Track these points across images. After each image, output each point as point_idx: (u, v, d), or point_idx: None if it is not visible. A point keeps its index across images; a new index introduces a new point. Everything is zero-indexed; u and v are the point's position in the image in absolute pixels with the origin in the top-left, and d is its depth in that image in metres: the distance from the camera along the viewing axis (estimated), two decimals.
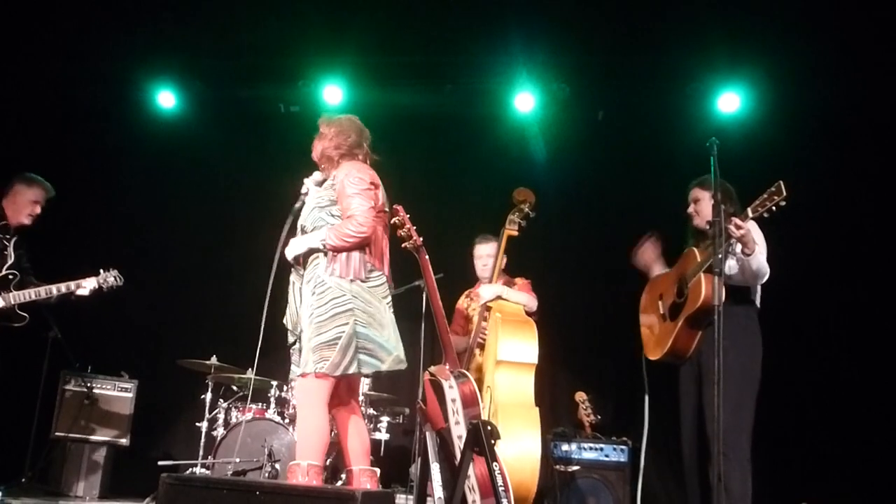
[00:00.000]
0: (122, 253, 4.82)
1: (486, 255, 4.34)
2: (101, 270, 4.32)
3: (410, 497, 3.89)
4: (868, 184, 5.20)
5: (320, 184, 3.37)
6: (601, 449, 4.39)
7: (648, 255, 3.98)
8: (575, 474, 4.33)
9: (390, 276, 3.30)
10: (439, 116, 5.94)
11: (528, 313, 4.14)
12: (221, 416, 4.74)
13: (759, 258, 3.35)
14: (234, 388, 4.92)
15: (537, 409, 3.86)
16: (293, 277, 3.33)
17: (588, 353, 5.56)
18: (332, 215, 3.21)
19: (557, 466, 4.32)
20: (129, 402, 5.14)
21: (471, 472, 2.97)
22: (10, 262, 4.24)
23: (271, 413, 4.59)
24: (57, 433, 4.94)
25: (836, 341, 5.18)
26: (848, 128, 5.30)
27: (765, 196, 3.14)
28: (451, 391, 3.16)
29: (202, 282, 5.88)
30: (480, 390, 3.41)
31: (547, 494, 4.27)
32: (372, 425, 4.78)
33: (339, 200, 3.20)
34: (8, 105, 5.45)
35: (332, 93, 5.66)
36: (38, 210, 4.36)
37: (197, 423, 4.74)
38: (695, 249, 3.58)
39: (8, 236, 4.28)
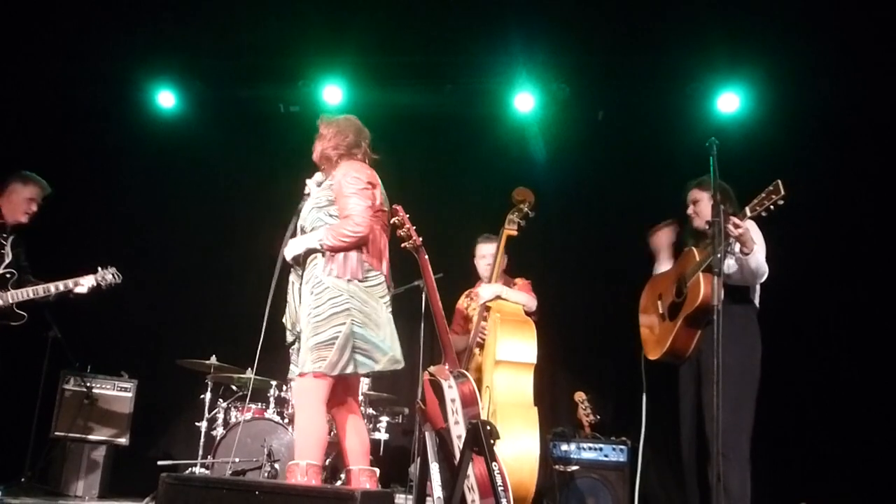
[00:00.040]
0: (122, 253, 4.82)
1: (489, 254, 4.34)
2: (100, 268, 4.32)
3: (410, 497, 3.89)
4: (868, 184, 5.20)
5: (321, 184, 3.37)
6: (600, 449, 4.38)
7: (662, 240, 3.95)
8: (574, 474, 4.33)
9: (389, 275, 3.30)
10: (439, 116, 5.94)
11: (528, 313, 4.13)
12: (221, 416, 4.74)
13: (758, 257, 3.35)
14: (234, 387, 4.92)
15: (536, 408, 3.86)
16: (292, 277, 3.33)
17: (588, 353, 5.56)
18: (331, 215, 3.22)
19: (557, 466, 4.32)
20: (129, 402, 5.14)
21: (470, 471, 2.97)
22: (7, 260, 4.24)
23: (271, 413, 4.59)
24: (56, 433, 4.94)
25: (836, 341, 5.18)
26: (848, 128, 5.30)
27: (763, 195, 3.14)
28: (451, 391, 3.16)
29: (202, 282, 5.88)
30: (480, 390, 3.41)
31: (546, 494, 4.27)
32: (371, 425, 4.78)
33: (336, 200, 3.20)
34: (8, 105, 5.45)
35: (332, 93, 5.66)
36: (34, 208, 4.36)
37: (196, 423, 4.74)
38: (694, 249, 3.58)
39: (5, 235, 4.28)
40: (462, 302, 4.53)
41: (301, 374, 3.10)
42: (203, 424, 4.69)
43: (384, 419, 4.92)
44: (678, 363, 3.67)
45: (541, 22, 5.18)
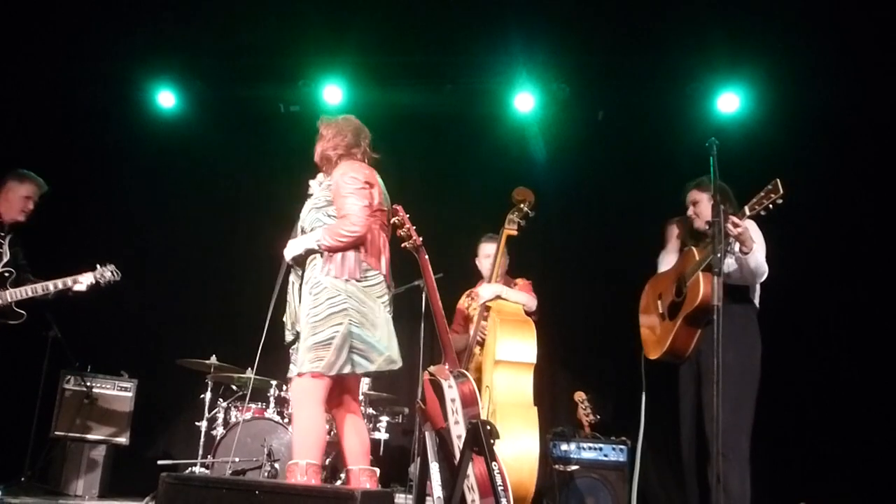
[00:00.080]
0: (123, 252, 4.81)
1: (492, 254, 4.35)
2: (98, 265, 4.32)
3: (410, 496, 3.89)
4: (868, 184, 5.20)
5: (322, 185, 3.38)
6: (600, 448, 4.38)
7: (674, 232, 3.94)
8: (574, 474, 4.32)
9: (389, 275, 3.30)
10: (439, 116, 5.94)
11: (528, 313, 4.14)
12: (221, 416, 4.74)
13: (758, 256, 3.36)
14: (234, 387, 4.92)
15: (536, 408, 3.86)
16: (292, 278, 3.34)
17: (587, 353, 5.56)
18: (329, 216, 3.22)
19: (557, 466, 4.32)
20: (129, 402, 5.14)
21: (470, 471, 2.97)
22: (5, 259, 4.24)
23: (270, 412, 4.59)
24: (56, 432, 4.94)
25: (836, 341, 5.18)
26: (848, 128, 5.30)
27: (762, 194, 3.14)
28: (451, 391, 3.16)
29: (202, 282, 5.88)
30: (479, 390, 3.41)
31: (546, 494, 4.27)
32: (371, 425, 4.78)
33: (334, 201, 3.21)
34: (8, 105, 5.45)
35: (332, 93, 5.67)
36: (30, 206, 4.36)
37: (196, 423, 4.74)
38: (693, 249, 3.58)
39: (3, 234, 4.28)
40: (463, 302, 4.53)
41: (299, 374, 3.10)
42: (203, 424, 4.69)
43: (384, 419, 4.92)
44: (678, 363, 3.67)
45: (541, 22, 5.19)
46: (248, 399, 4.47)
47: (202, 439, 4.63)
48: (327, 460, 4.51)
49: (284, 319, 3.34)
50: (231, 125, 6.03)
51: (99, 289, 4.33)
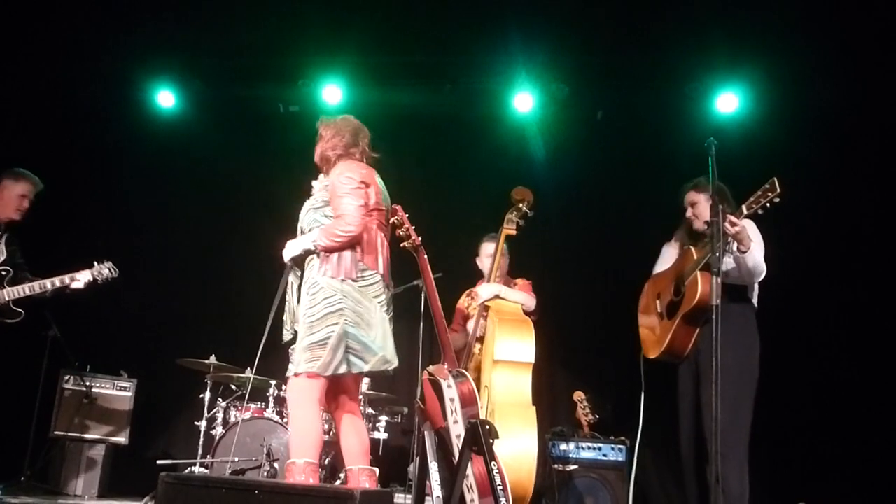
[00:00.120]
0: (122, 252, 4.81)
1: (493, 253, 4.35)
2: (96, 263, 4.32)
3: (409, 496, 3.89)
4: (868, 184, 5.20)
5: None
6: (599, 448, 4.39)
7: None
8: (573, 474, 4.33)
9: (388, 274, 3.29)
10: (439, 116, 5.94)
11: (527, 313, 4.14)
12: (220, 416, 4.74)
13: (756, 256, 3.36)
14: (233, 387, 4.93)
15: (534, 408, 3.86)
16: (291, 278, 3.34)
17: (587, 353, 5.57)
18: (326, 216, 3.22)
19: (556, 466, 4.32)
20: (128, 401, 5.15)
21: (469, 471, 2.97)
22: (2, 258, 4.24)
23: (270, 412, 4.60)
24: (56, 432, 4.94)
25: (836, 341, 5.18)
26: (847, 128, 5.30)
27: (759, 193, 3.14)
28: (450, 390, 3.16)
29: (202, 282, 5.88)
30: (478, 389, 3.41)
31: (545, 494, 4.28)
32: (370, 425, 4.79)
33: (330, 201, 3.21)
34: (8, 105, 5.45)
35: (332, 92, 5.67)
36: (25, 204, 4.36)
37: (196, 423, 4.74)
38: (692, 248, 3.59)
39: None
40: (463, 301, 4.53)
41: (295, 375, 3.10)
42: (202, 424, 4.69)
43: (383, 418, 4.92)
44: (677, 362, 3.67)
45: (540, 22, 5.19)
46: (247, 399, 4.48)
47: (201, 439, 4.63)
48: (326, 460, 4.52)
49: (284, 319, 3.34)
50: (230, 125, 6.03)
51: (97, 286, 4.33)
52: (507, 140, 5.83)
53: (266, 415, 4.56)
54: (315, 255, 3.19)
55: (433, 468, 3.08)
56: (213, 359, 4.69)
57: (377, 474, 3.27)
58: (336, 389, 3.26)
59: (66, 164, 5.57)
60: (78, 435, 4.97)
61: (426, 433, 3.17)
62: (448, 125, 5.97)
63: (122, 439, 5.08)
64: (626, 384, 4.14)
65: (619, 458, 4.36)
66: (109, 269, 4.32)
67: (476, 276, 4.47)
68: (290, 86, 5.77)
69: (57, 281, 4.23)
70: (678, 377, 3.67)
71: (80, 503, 4.79)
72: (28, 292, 4.20)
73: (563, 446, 4.38)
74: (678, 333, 3.57)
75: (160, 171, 5.99)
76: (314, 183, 3.41)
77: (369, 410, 4.86)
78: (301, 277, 3.29)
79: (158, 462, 4.63)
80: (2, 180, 4.34)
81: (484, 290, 4.15)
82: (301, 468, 2.97)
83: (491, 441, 2.95)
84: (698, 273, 3.42)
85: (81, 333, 5.10)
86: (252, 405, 4.63)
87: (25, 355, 4.74)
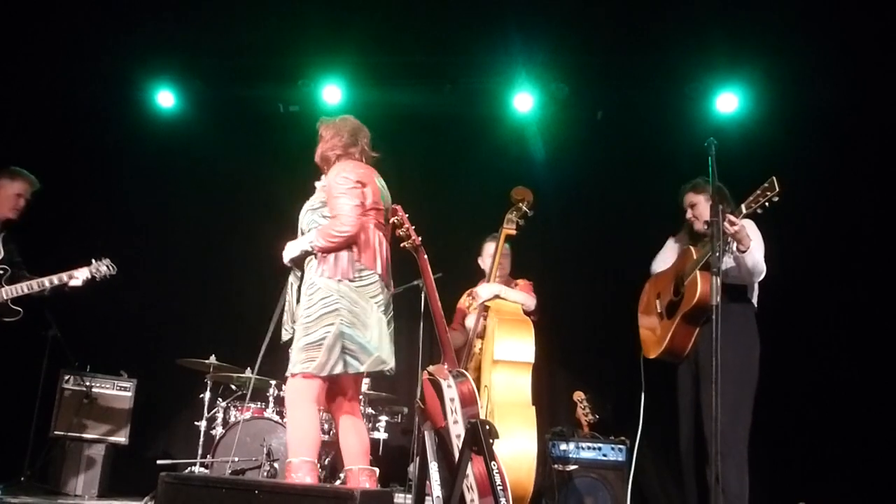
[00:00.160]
0: (122, 252, 4.81)
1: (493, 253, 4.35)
2: (94, 260, 4.31)
3: (409, 496, 3.89)
4: (868, 184, 5.20)
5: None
6: (599, 448, 4.38)
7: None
8: (573, 474, 4.33)
9: (387, 274, 3.29)
10: (439, 116, 5.94)
11: (527, 313, 4.14)
12: (220, 415, 4.74)
13: (755, 255, 3.36)
14: (233, 387, 4.93)
15: (534, 408, 3.86)
16: (291, 279, 3.34)
17: (587, 353, 5.57)
18: (324, 217, 3.22)
19: (556, 466, 4.32)
20: (128, 401, 5.14)
21: (469, 471, 2.97)
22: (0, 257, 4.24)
23: (270, 412, 4.59)
24: (56, 432, 4.94)
25: (836, 341, 5.18)
26: (847, 128, 5.30)
27: (758, 192, 3.15)
28: (450, 390, 3.16)
29: (202, 281, 5.88)
30: (478, 389, 3.41)
31: (545, 494, 4.27)
32: (371, 424, 4.78)
33: (327, 201, 3.21)
34: (8, 105, 5.45)
35: (332, 92, 5.67)
36: (22, 203, 4.36)
37: (196, 422, 4.74)
38: (692, 248, 3.59)
39: None
40: (463, 301, 4.53)
41: (291, 375, 3.10)
42: (202, 424, 4.70)
43: (383, 418, 4.92)
44: (677, 362, 3.67)
45: (540, 22, 5.19)
46: (247, 399, 4.48)
47: (201, 439, 4.63)
48: (326, 460, 4.52)
49: (284, 318, 3.35)
50: (230, 125, 6.03)
51: (95, 283, 4.32)
52: (507, 140, 5.83)
53: (266, 415, 4.56)
54: (313, 256, 3.19)
55: (433, 468, 3.08)
56: (213, 359, 4.69)
57: (377, 474, 3.27)
58: (335, 389, 3.26)
59: (66, 164, 5.57)
60: (78, 435, 4.97)
61: (426, 433, 3.17)
62: (448, 125, 5.97)
63: (122, 439, 5.08)
64: (626, 384, 4.14)
65: (619, 458, 4.36)
66: (108, 267, 4.32)
67: (478, 276, 4.47)
68: (290, 86, 5.77)
69: (55, 279, 4.23)
70: (678, 377, 3.67)
71: (80, 503, 4.79)
72: (26, 290, 4.19)
73: (562, 446, 4.38)
74: (678, 333, 3.57)
75: (160, 171, 5.99)
76: (317, 184, 3.42)
77: (369, 410, 4.86)
78: (301, 278, 3.29)
79: (158, 462, 4.63)
80: None
81: (484, 290, 4.15)
82: (299, 467, 2.98)
83: (491, 441, 2.96)
84: (698, 273, 3.43)
85: (81, 333, 5.10)
86: (252, 405, 4.63)
87: (25, 355, 4.74)
